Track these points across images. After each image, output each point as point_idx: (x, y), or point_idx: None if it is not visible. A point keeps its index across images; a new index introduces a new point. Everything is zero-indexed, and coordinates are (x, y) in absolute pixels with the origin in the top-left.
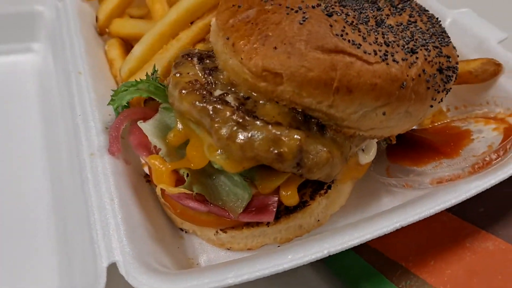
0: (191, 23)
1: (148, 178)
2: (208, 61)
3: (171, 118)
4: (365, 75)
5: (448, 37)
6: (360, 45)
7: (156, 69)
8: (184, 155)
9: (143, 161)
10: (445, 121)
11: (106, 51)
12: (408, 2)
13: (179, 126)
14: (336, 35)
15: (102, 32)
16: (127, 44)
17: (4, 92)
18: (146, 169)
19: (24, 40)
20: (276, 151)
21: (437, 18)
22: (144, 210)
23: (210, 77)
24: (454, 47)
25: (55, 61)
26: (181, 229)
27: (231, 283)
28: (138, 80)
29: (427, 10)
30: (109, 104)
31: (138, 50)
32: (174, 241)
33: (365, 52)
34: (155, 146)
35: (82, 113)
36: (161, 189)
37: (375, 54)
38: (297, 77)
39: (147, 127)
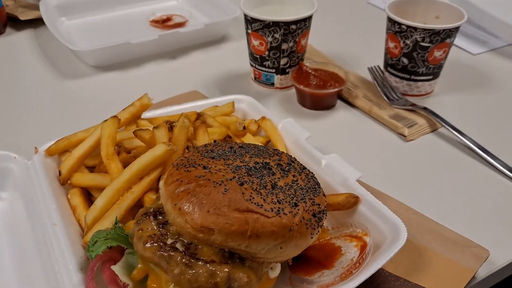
0: (141, 178)
1: None
2: (160, 217)
3: (133, 260)
4: (266, 226)
5: (320, 187)
6: (262, 205)
7: (117, 219)
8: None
9: None
10: (327, 238)
11: (69, 199)
12: (292, 164)
13: (140, 265)
14: (247, 200)
15: (64, 183)
16: (86, 192)
17: None
18: None
19: None
20: (213, 282)
21: (312, 174)
22: None
23: (163, 229)
24: (324, 195)
25: (28, 212)
26: None
27: None
28: (105, 229)
29: (306, 168)
30: (87, 253)
31: (100, 202)
32: None
33: (266, 210)
34: (124, 282)
35: (61, 258)
36: None
37: (272, 210)
38: (223, 230)
39: (117, 268)
